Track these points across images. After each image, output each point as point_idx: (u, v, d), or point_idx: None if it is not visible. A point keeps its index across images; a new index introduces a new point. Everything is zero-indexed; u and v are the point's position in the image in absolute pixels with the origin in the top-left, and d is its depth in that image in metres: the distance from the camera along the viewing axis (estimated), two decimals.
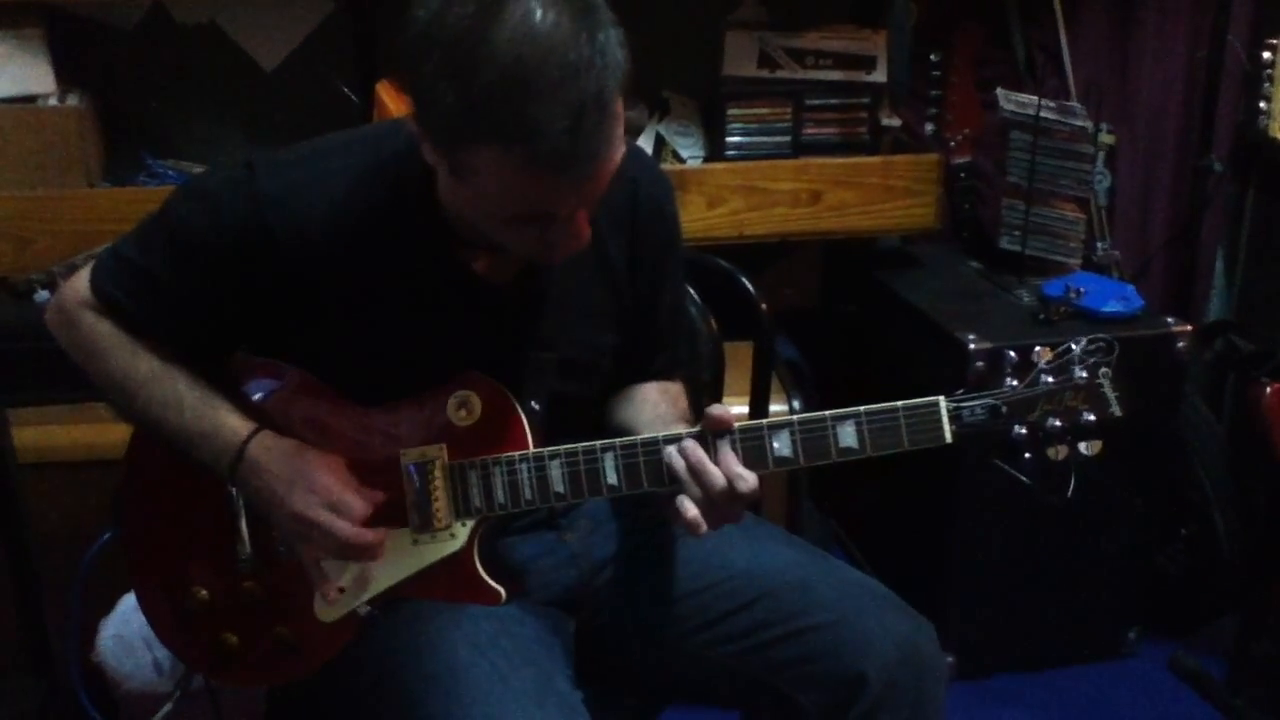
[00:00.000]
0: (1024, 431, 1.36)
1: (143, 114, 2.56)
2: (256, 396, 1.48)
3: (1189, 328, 2.39)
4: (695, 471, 1.35)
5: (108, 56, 2.52)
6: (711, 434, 1.36)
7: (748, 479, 1.34)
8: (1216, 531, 2.49)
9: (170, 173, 2.48)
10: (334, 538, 1.38)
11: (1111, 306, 2.39)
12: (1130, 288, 2.46)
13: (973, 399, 1.35)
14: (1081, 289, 2.40)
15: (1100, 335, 1.37)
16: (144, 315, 1.43)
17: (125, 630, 2.08)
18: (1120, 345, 1.35)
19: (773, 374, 1.97)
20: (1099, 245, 2.69)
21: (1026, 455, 1.37)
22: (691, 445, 1.35)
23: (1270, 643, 2.39)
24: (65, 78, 2.37)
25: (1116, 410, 1.35)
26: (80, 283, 1.46)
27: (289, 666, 1.49)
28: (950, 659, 2.42)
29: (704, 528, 1.34)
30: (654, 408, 1.58)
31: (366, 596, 1.44)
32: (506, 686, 1.35)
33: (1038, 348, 1.37)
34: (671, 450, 1.37)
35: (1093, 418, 1.35)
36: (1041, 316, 2.40)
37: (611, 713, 1.59)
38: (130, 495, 1.54)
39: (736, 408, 1.84)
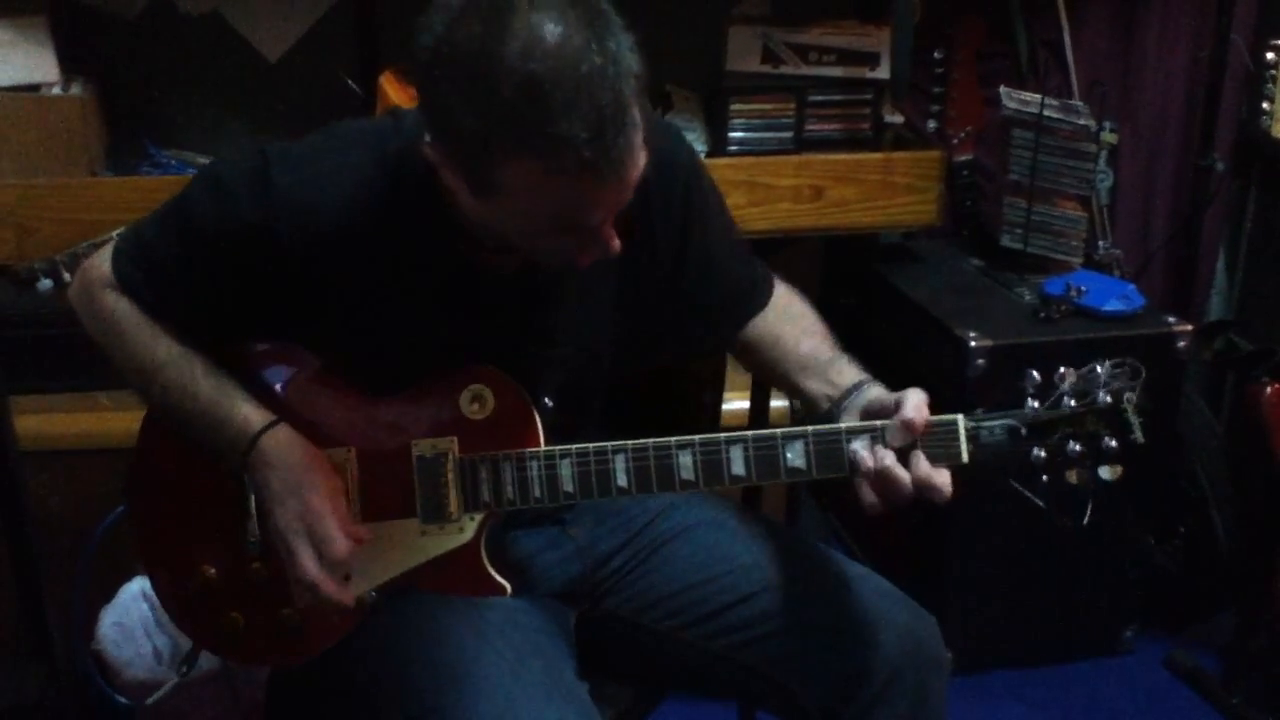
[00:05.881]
0: (1042, 454, 1.33)
1: (146, 103, 2.55)
2: (272, 382, 1.48)
3: (1189, 327, 2.39)
4: (883, 479, 1.33)
5: (111, 46, 2.51)
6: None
7: (941, 489, 1.32)
8: (1214, 529, 2.50)
9: (173, 162, 2.48)
10: (299, 571, 1.38)
11: (1112, 305, 2.39)
12: (1131, 286, 2.46)
13: (992, 419, 1.33)
14: (1082, 287, 2.40)
15: (1126, 359, 1.33)
16: (157, 297, 1.44)
17: (126, 618, 2.08)
18: (1121, 344, 1.33)
19: None
20: (1100, 244, 2.69)
21: (1044, 478, 1.34)
22: (882, 454, 1.33)
23: (1266, 640, 2.39)
24: (68, 66, 2.36)
25: (1139, 436, 1.32)
26: (103, 260, 1.46)
27: (292, 648, 1.48)
28: (949, 654, 2.42)
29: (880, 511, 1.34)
30: (795, 345, 1.57)
31: (372, 584, 1.44)
32: (516, 678, 1.35)
33: (1061, 369, 1.33)
34: (858, 449, 1.34)
35: (1114, 443, 1.32)
36: (1042, 314, 2.40)
37: (610, 703, 1.60)
38: (143, 470, 1.53)
39: (737, 403, 1.86)
